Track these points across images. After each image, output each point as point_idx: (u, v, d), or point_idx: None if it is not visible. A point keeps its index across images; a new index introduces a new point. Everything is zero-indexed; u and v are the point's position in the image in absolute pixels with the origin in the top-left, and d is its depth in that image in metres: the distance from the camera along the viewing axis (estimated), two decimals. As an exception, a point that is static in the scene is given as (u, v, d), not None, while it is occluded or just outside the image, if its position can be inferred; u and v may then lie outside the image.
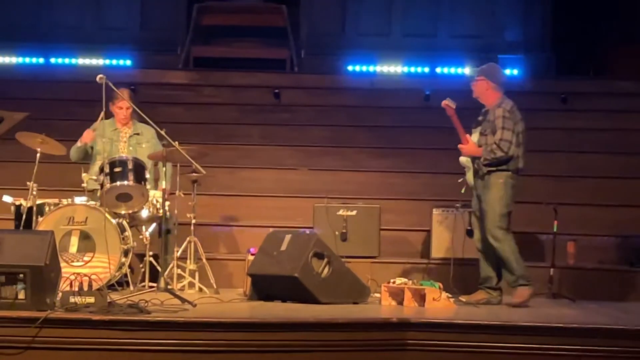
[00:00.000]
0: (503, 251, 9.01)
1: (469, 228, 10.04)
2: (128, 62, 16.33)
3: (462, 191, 9.55)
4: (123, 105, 10.10)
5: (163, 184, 9.73)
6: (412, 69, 16.28)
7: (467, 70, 9.16)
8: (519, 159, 9.09)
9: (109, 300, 7.43)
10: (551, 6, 16.55)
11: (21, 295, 7.05)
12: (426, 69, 16.23)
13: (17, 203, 9.51)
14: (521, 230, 10.74)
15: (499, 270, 9.15)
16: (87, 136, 9.87)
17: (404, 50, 16.43)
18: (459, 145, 9.25)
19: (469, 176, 9.41)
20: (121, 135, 10.29)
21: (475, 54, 15.94)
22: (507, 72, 15.91)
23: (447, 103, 9.21)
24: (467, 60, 15.87)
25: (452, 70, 16.01)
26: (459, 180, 9.50)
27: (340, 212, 10.96)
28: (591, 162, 12.92)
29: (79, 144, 10.02)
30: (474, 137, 9.29)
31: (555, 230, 10.39)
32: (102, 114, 9.36)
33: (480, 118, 9.35)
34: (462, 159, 9.45)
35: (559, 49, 16.41)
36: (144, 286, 9.27)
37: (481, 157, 9.05)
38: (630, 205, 11.81)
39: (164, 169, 9.85)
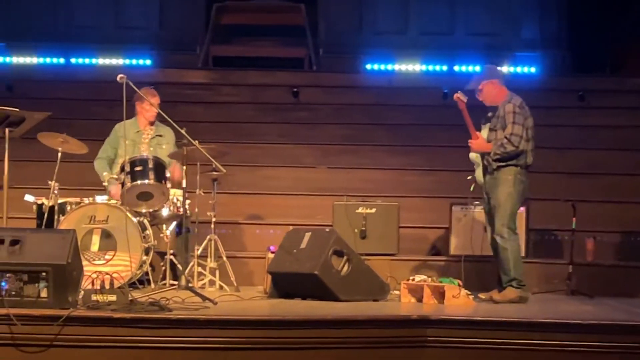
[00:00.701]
0: (505, 250, 8.98)
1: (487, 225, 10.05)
2: (148, 62, 16.41)
3: (471, 189, 9.56)
4: (154, 103, 10.07)
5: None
6: (430, 67, 16.33)
7: (461, 95, 9.09)
8: (527, 155, 9.07)
9: (130, 298, 7.44)
10: (567, 3, 16.54)
11: (43, 294, 7.06)
12: (444, 67, 16.28)
13: (39, 202, 9.52)
14: (539, 227, 10.82)
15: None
16: (115, 194, 9.86)
17: (422, 48, 16.46)
18: (469, 141, 9.24)
19: (478, 173, 9.40)
20: (143, 136, 10.32)
21: (492, 52, 16.02)
22: (525, 69, 16.04)
23: (459, 96, 9.18)
24: (485, 58, 15.90)
25: (470, 68, 15.92)
26: (468, 178, 9.50)
27: (359, 210, 10.97)
28: (608, 159, 12.90)
29: (105, 174, 10.04)
30: (484, 132, 9.28)
31: (573, 227, 10.34)
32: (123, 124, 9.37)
33: (489, 114, 9.33)
34: (472, 155, 9.45)
35: (575, 47, 16.41)
36: (165, 284, 9.27)
37: (491, 152, 9.05)
38: (649, 202, 11.82)
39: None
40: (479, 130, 9.32)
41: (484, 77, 9.33)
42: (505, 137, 8.94)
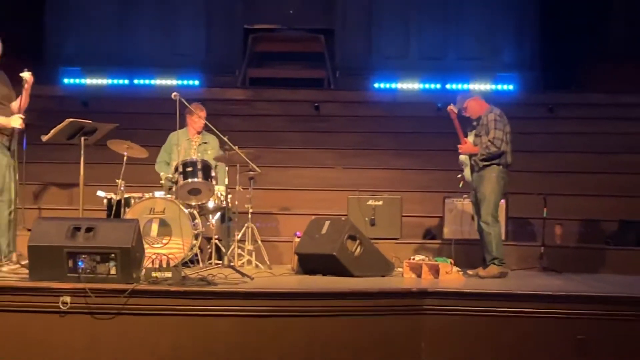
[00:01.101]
0: (489, 235, 8.99)
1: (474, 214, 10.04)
2: (196, 82, 16.40)
3: (460, 185, 9.55)
4: (201, 115, 10.15)
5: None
6: (426, 86, 16.31)
7: (453, 107, 9.14)
8: (507, 155, 9.08)
9: (183, 275, 7.45)
10: (539, 33, 16.51)
11: (113, 271, 7.07)
12: (438, 85, 16.27)
13: (109, 197, 9.54)
14: (517, 216, 10.79)
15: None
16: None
17: (420, 70, 16.43)
18: (459, 146, 9.26)
19: (467, 172, 9.42)
20: (192, 143, 10.34)
21: (477, 73, 16.09)
22: (505, 87, 16.02)
23: (452, 108, 9.24)
24: (472, 78, 15.96)
25: (459, 86, 15.99)
26: (458, 176, 9.51)
27: (369, 202, 10.94)
28: (573, 160, 12.86)
29: (162, 174, 10.07)
30: (470, 138, 9.31)
31: (545, 215, 10.35)
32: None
33: (474, 123, 9.35)
34: (461, 157, 9.47)
35: (546, 68, 16.35)
36: (211, 263, 9.30)
37: (478, 154, 9.05)
38: (606, 195, 11.75)
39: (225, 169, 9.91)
40: (467, 136, 9.33)
41: (467, 96, 9.39)
42: (489, 141, 8.96)
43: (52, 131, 8.76)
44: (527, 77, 16.09)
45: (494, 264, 8.96)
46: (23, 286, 7.01)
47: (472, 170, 9.25)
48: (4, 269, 7.92)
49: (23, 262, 7.75)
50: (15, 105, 8.32)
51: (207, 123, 9.97)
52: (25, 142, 8.76)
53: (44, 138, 8.86)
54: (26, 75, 8.20)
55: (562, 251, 10.41)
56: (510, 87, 16.29)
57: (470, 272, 9.08)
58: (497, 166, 9.05)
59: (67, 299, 6.83)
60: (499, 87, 16.23)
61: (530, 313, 7.20)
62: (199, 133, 10.37)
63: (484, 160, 9.04)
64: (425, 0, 16.82)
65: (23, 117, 8.17)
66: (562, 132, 13.80)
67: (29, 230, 7.77)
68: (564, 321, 7.17)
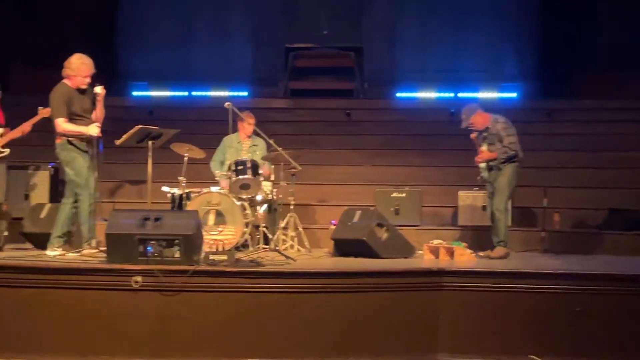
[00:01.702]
0: (500, 221, 8.96)
1: (484, 204, 9.99)
2: (245, 93, 16.47)
3: (478, 178, 9.46)
4: (251, 122, 10.21)
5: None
6: (441, 94, 16.30)
7: (475, 133, 9.15)
8: (519, 152, 9.06)
9: (236, 257, 7.45)
10: (538, 49, 16.52)
11: (177, 255, 7.07)
12: (451, 94, 16.24)
13: (172, 192, 9.57)
14: (521, 205, 10.71)
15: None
16: (225, 186, 9.89)
17: (435, 81, 16.46)
18: (476, 158, 9.19)
19: (485, 173, 9.31)
20: (243, 145, 10.36)
21: (484, 83, 16.10)
22: (508, 95, 15.98)
23: (474, 135, 9.24)
24: (480, 87, 15.96)
25: (470, 94, 16.03)
26: (478, 178, 9.41)
27: (394, 195, 10.95)
28: (568, 157, 12.75)
29: (217, 172, 10.12)
30: (484, 147, 9.23)
31: (544, 205, 10.33)
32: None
33: (484, 134, 9.24)
34: (481, 165, 9.34)
35: (544, 78, 16.32)
36: (259, 248, 9.28)
37: (497, 158, 9.02)
38: (597, 187, 11.68)
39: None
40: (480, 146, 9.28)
41: (470, 113, 9.26)
42: (506, 146, 8.95)
43: (124, 136, 8.83)
44: (527, 87, 16.03)
45: (501, 245, 8.93)
46: (101, 268, 7.05)
47: (491, 169, 9.18)
48: (85, 252, 7.97)
49: (101, 248, 7.79)
50: (94, 116, 8.37)
51: (256, 128, 10.02)
52: (102, 145, 8.80)
53: (118, 142, 8.94)
54: (98, 89, 8.24)
55: (560, 235, 10.34)
56: (514, 95, 16.28)
57: (481, 253, 9.03)
58: (513, 163, 9.04)
59: (139, 278, 6.86)
60: (503, 95, 16.22)
61: (534, 289, 7.13)
62: (249, 137, 10.39)
63: (502, 162, 9.03)
64: (440, 21, 16.88)
65: (99, 126, 8.21)
66: (558, 133, 13.70)
67: (106, 220, 7.80)
68: (563, 295, 7.10)
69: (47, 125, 8.30)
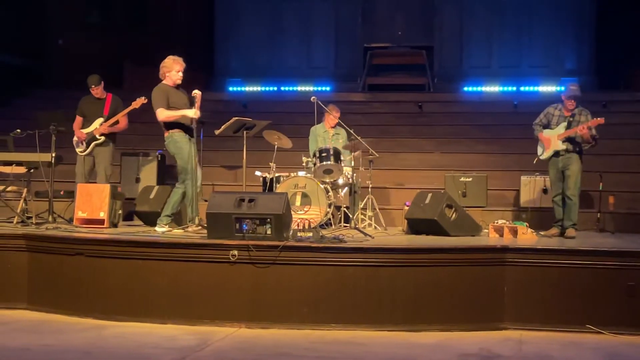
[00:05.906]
0: (574, 205, 8.74)
1: (544, 188, 9.83)
2: (327, 88, 16.44)
3: (535, 162, 9.26)
4: (337, 115, 10.25)
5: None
6: (505, 88, 16.04)
7: (574, 93, 8.93)
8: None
9: (320, 234, 7.48)
10: (594, 45, 16.23)
11: (269, 232, 7.12)
12: (514, 88, 15.98)
13: (264, 176, 9.64)
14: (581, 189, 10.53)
15: (564, 215, 8.91)
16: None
17: (500, 76, 16.25)
18: (545, 144, 8.95)
19: (542, 155, 9.10)
20: (328, 134, 10.39)
21: (545, 77, 15.85)
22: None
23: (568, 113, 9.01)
24: (540, 82, 15.70)
25: (531, 88, 15.81)
26: (534, 161, 9.25)
27: (462, 179, 10.86)
28: (623, 145, 12.49)
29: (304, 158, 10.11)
30: (561, 129, 8.93)
31: (600, 188, 10.16)
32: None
33: (569, 119, 8.97)
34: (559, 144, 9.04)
35: (600, 72, 16.04)
36: (340, 226, 9.32)
37: (588, 142, 8.86)
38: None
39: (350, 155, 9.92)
40: (552, 128, 9.04)
41: (578, 92, 9.06)
42: (595, 136, 8.87)
43: (222, 127, 8.93)
44: (585, 80, 15.59)
45: (574, 228, 8.76)
46: (203, 242, 7.14)
47: (557, 154, 8.91)
48: (190, 229, 8.08)
49: (203, 225, 7.90)
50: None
51: (339, 120, 10.04)
52: (202, 135, 8.94)
53: (217, 132, 9.06)
54: (197, 92, 8.36)
55: (614, 216, 10.15)
56: (572, 88, 15.93)
57: (542, 233, 8.88)
58: (582, 153, 8.89)
59: (235, 252, 6.92)
60: (563, 88, 15.80)
61: (591, 265, 6.98)
62: (332, 127, 10.41)
63: (577, 151, 8.86)
64: (503, 20, 16.66)
65: (197, 110, 8.30)
66: (613, 123, 13.11)
67: (206, 201, 7.92)
68: (617, 271, 6.94)
69: (152, 117, 8.44)
